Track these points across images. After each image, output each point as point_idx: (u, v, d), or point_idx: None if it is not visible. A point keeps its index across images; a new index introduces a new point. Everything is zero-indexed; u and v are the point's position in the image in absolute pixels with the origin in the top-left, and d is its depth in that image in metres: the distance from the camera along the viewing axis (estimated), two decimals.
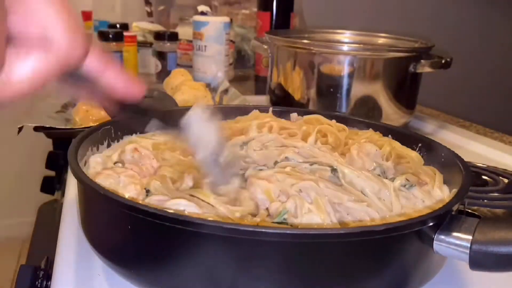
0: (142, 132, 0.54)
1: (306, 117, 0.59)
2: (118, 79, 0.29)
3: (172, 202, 0.38)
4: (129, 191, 0.41)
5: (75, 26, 0.23)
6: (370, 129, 0.56)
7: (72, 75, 0.27)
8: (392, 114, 0.82)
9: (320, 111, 0.60)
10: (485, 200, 0.56)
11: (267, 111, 0.60)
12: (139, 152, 0.48)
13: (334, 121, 0.57)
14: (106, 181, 0.42)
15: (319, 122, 0.56)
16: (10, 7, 0.21)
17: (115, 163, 0.47)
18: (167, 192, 0.41)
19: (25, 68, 0.23)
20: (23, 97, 0.23)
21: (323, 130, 0.54)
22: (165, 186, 0.42)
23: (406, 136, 0.54)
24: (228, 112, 0.59)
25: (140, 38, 1.33)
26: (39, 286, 0.50)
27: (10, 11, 0.21)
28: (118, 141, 0.52)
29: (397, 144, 0.52)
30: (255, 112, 0.59)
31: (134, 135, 0.53)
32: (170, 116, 0.40)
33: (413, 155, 0.50)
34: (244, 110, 0.60)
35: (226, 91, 0.97)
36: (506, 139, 0.90)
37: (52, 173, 0.95)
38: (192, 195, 0.40)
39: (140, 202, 0.40)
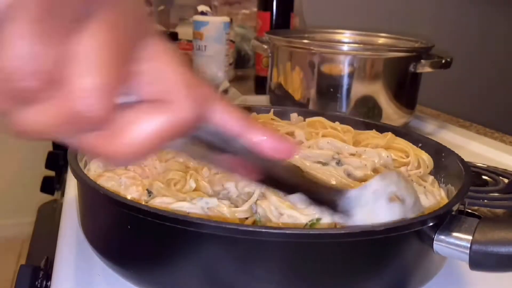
0: None
1: (308, 120, 0.58)
2: (263, 136, 0.26)
3: (175, 205, 0.38)
4: (131, 192, 0.41)
5: (196, 84, 0.23)
6: (390, 133, 0.54)
7: (200, 137, 0.24)
8: (392, 114, 0.82)
9: (323, 112, 0.59)
10: (485, 200, 0.56)
11: (268, 111, 0.60)
12: None
13: (337, 122, 0.56)
14: (107, 183, 0.42)
15: (322, 124, 0.56)
16: (136, 65, 0.21)
17: None
18: (169, 194, 0.41)
19: (141, 129, 0.22)
20: (136, 158, 0.22)
21: (327, 135, 0.53)
22: (167, 187, 0.42)
23: (406, 136, 0.54)
24: None
25: None
26: (39, 286, 0.50)
27: (136, 69, 0.22)
28: None
29: (409, 145, 0.51)
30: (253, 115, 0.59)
31: None
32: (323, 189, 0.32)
33: (425, 158, 0.49)
34: (245, 110, 0.60)
35: (226, 91, 0.97)
36: (507, 139, 0.90)
37: (52, 173, 0.95)
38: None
39: (142, 203, 0.40)
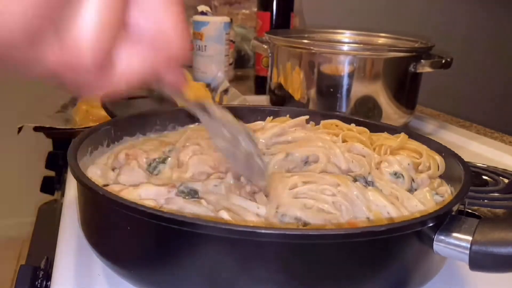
0: (142, 133, 0.55)
1: (324, 122, 0.57)
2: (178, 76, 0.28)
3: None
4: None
5: (186, 26, 0.24)
6: (403, 133, 0.53)
7: None
8: (392, 114, 0.82)
9: (339, 114, 0.59)
10: (485, 200, 0.56)
11: (269, 111, 0.60)
12: (131, 156, 0.47)
13: (353, 124, 0.56)
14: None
15: (339, 127, 0.55)
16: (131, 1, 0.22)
17: (113, 169, 0.47)
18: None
19: (134, 60, 0.23)
20: (120, 87, 0.24)
21: (346, 137, 0.53)
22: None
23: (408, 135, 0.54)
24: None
25: None
26: (38, 286, 0.50)
27: (131, 3, 0.22)
28: (118, 142, 0.52)
29: (424, 147, 0.51)
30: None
31: (133, 136, 0.53)
32: None
33: (438, 159, 0.49)
34: (245, 110, 0.60)
35: (226, 91, 0.97)
36: (506, 139, 0.90)
37: (52, 173, 0.95)
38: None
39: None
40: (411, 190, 0.45)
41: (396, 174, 0.46)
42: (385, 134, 0.54)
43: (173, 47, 0.24)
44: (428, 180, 0.47)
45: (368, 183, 0.45)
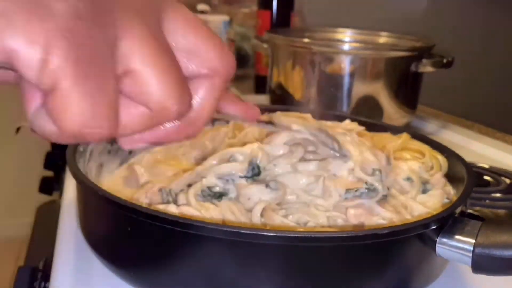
0: None
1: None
2: (238, 106, 0.32)
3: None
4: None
5: (225, 47, 0.27)
6: (405, 133, 0.53)
7: None
8: (393, 113, 0.81)
9: (340, 114, 0.58)
10: (487, 201, 0.56)
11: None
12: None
13: (347, 119, 0.55)
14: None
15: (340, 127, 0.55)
16: (175, 50, 0.25)
17: None
18: None
19: (207, 98, 0.26)
20: (206, 124, 0.27)
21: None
22: None
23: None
24: None
25: None
26: (37, 287, 0.49)
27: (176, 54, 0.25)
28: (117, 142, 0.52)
29: (426, 147, 0.50)
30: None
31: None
32: None
33: (440, 159, 0.48)
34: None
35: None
36: (509, 139, 0.89)
37: (50, 173, 0.94)
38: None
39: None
40: (425, 191, 0.44)
41: (409, 179, 0.45)
42: (386, 135, 0.54)
43: (225, 74, 0.27)
44: (443, 179, 0.46)
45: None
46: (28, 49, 0.19)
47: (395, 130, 0.55)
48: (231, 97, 0.31)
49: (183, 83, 0.24)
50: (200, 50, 0.26)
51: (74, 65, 0.20)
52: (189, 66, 0.25)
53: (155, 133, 0.25)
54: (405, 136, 0.52)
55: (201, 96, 0.26)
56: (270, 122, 0.42)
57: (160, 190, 0.41)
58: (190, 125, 0.26)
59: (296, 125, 0.42)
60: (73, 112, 0.21)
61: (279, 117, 0.46)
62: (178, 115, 0.24)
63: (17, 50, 0.19)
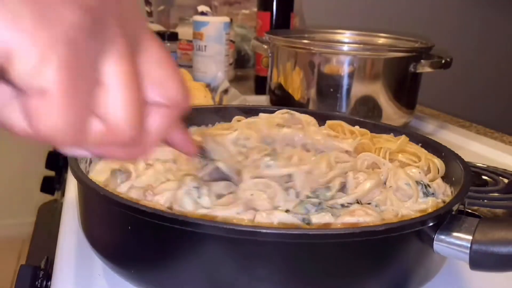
0: None
1: (329, 122, 0.57)
2: (182, 139, 0.33)
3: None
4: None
5: (186, 85, 0.28)
6: (403, 135, 0.53)
7: None
8: (392, 114, 0.82)
9: (340, 114, 0.59)
10: (485, 200, 0.56)
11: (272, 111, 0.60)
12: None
13: (357, 126, 0.55)
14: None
15: (342, 128, 0.55)
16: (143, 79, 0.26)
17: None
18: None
19: (158, 125, 0.27)
20: (153, 148, 0.28)
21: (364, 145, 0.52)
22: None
23: (406, 136, 0.54)
24: (229, 112, 0.59)
25: None
26: (39, 286, 0.50)
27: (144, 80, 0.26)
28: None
29: (423, 151, 0.50)
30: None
31: None
32: None
33: (437, 162, 0.48)
34: (245, 110, 0.60)
35: (226, 91, 0.97)
36: (506, 139, 0.90)
37: (52, 173, 0.95)
38: None
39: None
40: (427, 196, 0.44)
41: (409, 185, 0.45)
42: (386, 136, 0.54)
43: (181, 107, 0.28)
44: (444, 185, 0.46)
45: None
46: (28, 50, 0.20)
47: (394, 130, 0.56)
48: (180, 129, 0.32)
49: (142, 110, 0.25)
50: (166, 83, 0.27)
51: (68, 74, 0.21)
52: (152, 94, 0.26)
53: (101, 148, 0.26)
54: (403, 138, 0.52)
55: (155, 122, 0.27)
56: (202, 149, 0.44)
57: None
58: (138, 147, 0.27)
59: (221, 163, 0.44)
60: (53, 119, 0.21)
61: (210, 143, 0.47)
62: (129, 138, 0.25)
63: (17, 49, 0.20)
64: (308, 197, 0.42)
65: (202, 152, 0.45)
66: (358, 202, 0.41)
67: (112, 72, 0.23)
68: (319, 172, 0.45)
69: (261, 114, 0.59)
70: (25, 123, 0.22)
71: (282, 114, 0.58)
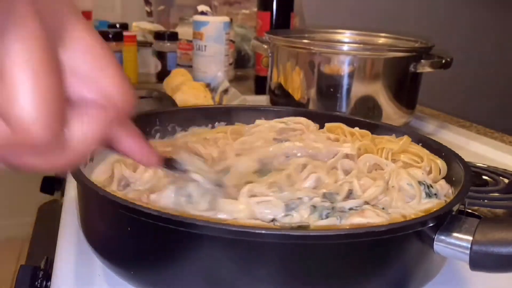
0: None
1: (328, 125, 0.57)
2: (136, 147, 0.29)
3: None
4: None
5: (126, 80, 0.24)
6: (405, 136, 0.53)
7: None
8: (392, 114, 0.82)
9: (340, 114, 0.58)
10: (486, 200, 0.56)
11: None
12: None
13: (357, 128, 0.55)
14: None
15: (342, 130, 0.55)
16: (69, 73, 0.22)
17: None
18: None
19: (86, 127, 0.22)
20: (82, 157, 0.23)
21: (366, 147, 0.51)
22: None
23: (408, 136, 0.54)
24: (229, 112, 0.59)
25: (140, 38, 1.33)
26: (38, 286, 0.50)
27: (68, 75, 0.22)
28: None
29: (425, 152, 0.50)
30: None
31: None
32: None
33: (439, 163, 0.48)
34: (245, 110, 0.60)
35: (226, 91, 0.97)
36: (507, 139, 0.90)
37: (51, 173, 0.94)
38: None
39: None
40: (430, 196, 0.44)
41: (411, 185, 0.45)
42: (387, 137, 0.54)
43: (120, 106, 0.24)
44: (447, 186, 0.46)
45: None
46: None
47: (393, 130, 0.56)
48: (132, 133, 0.27)
49: (58, 108, 0.20)
50: (98, 76, 0.23)
51: None
52: (81, 90, 0.22)
53: (10, 156, 0.21)
54: (406, 139, 0.52)
55: (82, 124, 0.22)
56: (172, 163, 0.39)
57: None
58: (59, 155, 0.22)
59: (196, 174, 0.40)
60: None
61: (182, 153, 0.43)
62: (42, 143, 0.20)
63: None
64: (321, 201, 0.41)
65: (170, 163, 0.39)
66: (366, 203, 0.41)
67: (17, 56, 0.19)
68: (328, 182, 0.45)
69: (257, 121, 0.58)
70: None
71: (277, 123, 0.56)
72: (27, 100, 0.19)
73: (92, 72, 0.22)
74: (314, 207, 0.40)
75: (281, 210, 0.39)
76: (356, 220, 0.38)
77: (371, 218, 0.38)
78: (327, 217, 0.39)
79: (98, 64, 0.23)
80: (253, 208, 0.39)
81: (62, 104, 0.21)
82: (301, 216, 0.39)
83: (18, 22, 0.19)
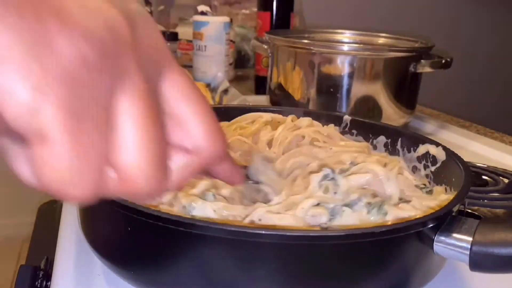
0: None
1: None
2: (225, 172, 0.30)
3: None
4: None
5: (218, 130, 0.25)
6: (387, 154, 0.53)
7: None
8: (392, 114, 0.82)
9: (340, 114, 0.58)
10: (485, 200, 0.56)
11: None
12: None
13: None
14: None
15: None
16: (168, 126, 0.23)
17: None
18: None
19: (183, 170, 0.24)
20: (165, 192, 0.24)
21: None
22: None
23: (407, 136, 0.54)
24: (228, 112, 0.59)
25: None
26: (38, 286, 0.50)
27: (169, 125, 0.23)
28: None
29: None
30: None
31: None
32: None
33: (435, 151, 0.49)
34: (244, 110, 0.60)
35: (226, 91, 0.97)
36: (506, 139, 0.90)
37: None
38: None
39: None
40: (428, 192, 0.45)
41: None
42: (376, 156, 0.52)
43: (210, 155, 0.24)
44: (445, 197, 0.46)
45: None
46: (18, 86, 0.17)
47: (393, 130, 0.56)
48: (225, 160, 0.28)
49: (163, 156, 0.22)
50: (188, 124, 0.23)
51: (69, 115, 0.18)
52: (172, 136, 0.23)
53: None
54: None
55: (175, 170, 0.23)
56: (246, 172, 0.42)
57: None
58: (161, 189, 0.23)
59: (265, 186, 0.42)
60: (57, 169, 0.18)
61: (256, 163, 0.44)
62: (145, 192, 0.21)
63: (7, 91, 0.17)
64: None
65: (247, 176, 0.42)
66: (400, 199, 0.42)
67: (126, 111, 0.20)
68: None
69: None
70: (29, 173, 0.20)
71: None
72: (135, 152, 0.20)
73: (184, 117, 0.23)
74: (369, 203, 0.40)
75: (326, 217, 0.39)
76: (399, 213, 0.39)
77: (409, 211, 0.39)
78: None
79: (192, 109, 0.23)
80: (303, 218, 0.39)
81: (164, 155, 0.22)
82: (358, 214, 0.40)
83: (126, 78, 0.20)
